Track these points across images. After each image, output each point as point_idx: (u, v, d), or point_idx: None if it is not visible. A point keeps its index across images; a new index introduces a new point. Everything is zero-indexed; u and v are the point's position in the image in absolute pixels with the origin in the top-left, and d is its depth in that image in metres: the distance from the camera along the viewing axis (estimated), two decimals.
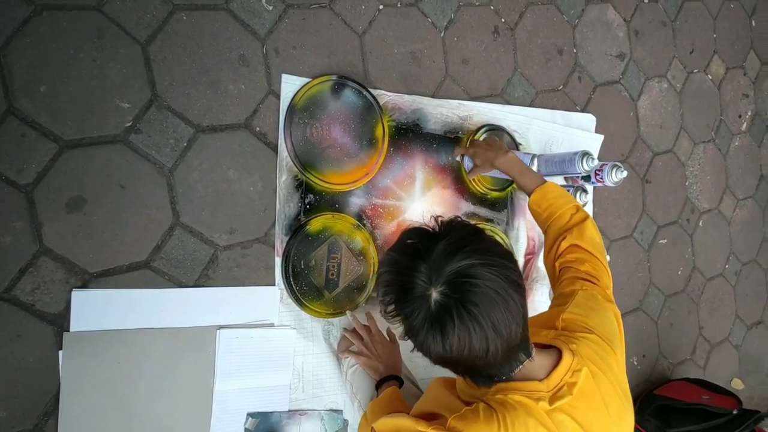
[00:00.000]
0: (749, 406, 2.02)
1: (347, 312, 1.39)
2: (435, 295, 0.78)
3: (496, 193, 1.64)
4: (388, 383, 1.22)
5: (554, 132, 1.77)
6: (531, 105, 1.77)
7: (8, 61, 1.10)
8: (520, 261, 1.69)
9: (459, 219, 0.88)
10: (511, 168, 1.38)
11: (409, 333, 0.82)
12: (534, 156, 1.50)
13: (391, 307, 0.84)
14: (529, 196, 1.30)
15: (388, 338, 1.34)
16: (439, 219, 0.87)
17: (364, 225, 1.44)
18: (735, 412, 1.86)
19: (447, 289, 0.77)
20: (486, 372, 0.85)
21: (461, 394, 0.96)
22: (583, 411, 0.86)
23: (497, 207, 1.66)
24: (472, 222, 1.58)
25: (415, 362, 1.32)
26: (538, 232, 1.73)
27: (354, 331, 1.35)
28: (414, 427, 0.89)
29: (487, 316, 0.76)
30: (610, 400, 0.90)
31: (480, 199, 1.63)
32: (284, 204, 1.36)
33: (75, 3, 1.16)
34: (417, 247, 0.83)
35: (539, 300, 1.73)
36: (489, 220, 1.64)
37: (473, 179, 1.58)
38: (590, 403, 0.88)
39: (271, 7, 1.36)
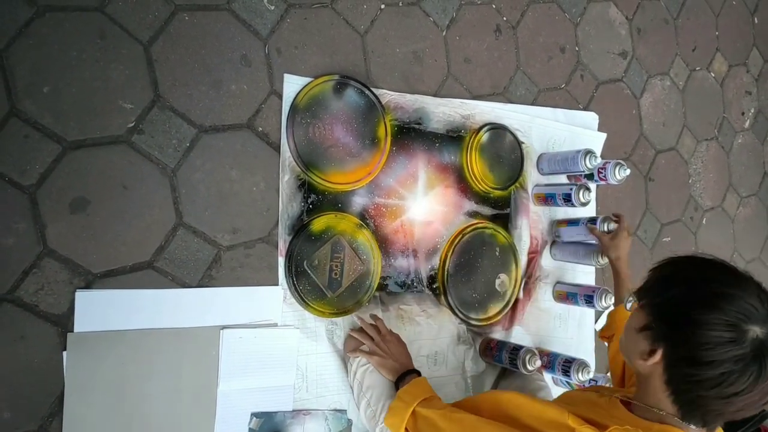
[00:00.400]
0: None
1: (354, 315, 1.39)
2: (759, 331, 0.74)
3: (498, 192, 1.64)
4: (411, 376, 1.22)
5: (557, 130, 1.77)
6: (533, 103, 1.77)
7: (11, 63, 1.10)
8: (523, 260, 1.69)
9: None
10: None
11: (699, 357, 0.76)
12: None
13: (687, 316, 0.78)
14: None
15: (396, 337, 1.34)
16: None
17: (367, 224, 1.44)
18: None
19: None
20: (714, 416, 0.82)
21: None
22: None
23: (500, 206, 1.66)
24: (475, 221, 1.59)
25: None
26: (540, 230, 1.73)
27: (362, 330, 1.35)
28: (558, 418, 0.86)
29: None
30: None
31: (483, 198, 1.62)
32: (287, 204, 1.36)
33: (77, 4, 1.16)
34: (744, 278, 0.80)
35: (542, 298, 1.73)
36: (492, 219, 1.64)
37: (475, 177, 1.57)
38: None
39: (272, 7, 1.36)
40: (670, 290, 0.82)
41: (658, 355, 0.82)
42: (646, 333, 0.84)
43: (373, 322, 1.37)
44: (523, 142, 1.68)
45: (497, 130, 1.63)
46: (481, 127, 1.60)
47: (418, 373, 1.24)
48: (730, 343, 0.74)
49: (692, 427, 0.83)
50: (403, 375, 1.23)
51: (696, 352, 0.76)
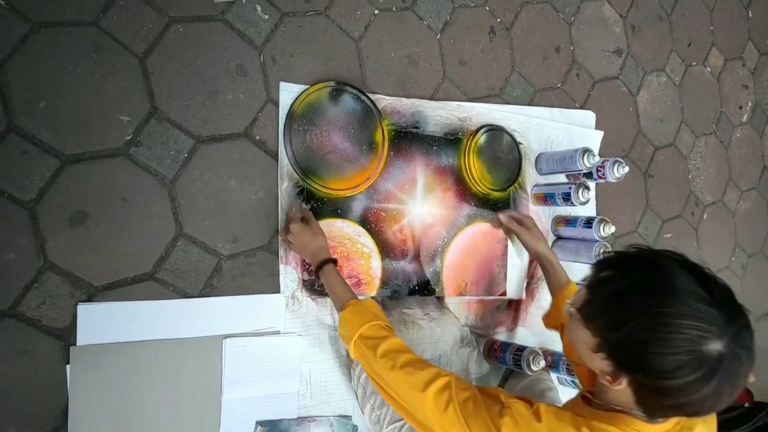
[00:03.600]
0: (761, 398, 2.01)
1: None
2: (718, 346, 0.73)
3: (497, 194, 1.64)
4: (326, 266, 1.25)
5: (554, 130, 1.77)
6: (530, 104, 1.77)
7: (7, 79, 1.11)
8: (524, 260, 1.69)
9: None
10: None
11: (665, 386, 0.76)
12: None
13: (642, 348, 0.77)
14: (559, 293, 1.37)
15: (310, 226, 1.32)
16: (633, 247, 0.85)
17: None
18: (747, 405, 1.85)
19: (729, 338, 0.74)
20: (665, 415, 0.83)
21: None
22: None
23: (499, 207, 1.66)
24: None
25: None
26: (545, 227, 1.73)
27: (286, 229, 1.32)
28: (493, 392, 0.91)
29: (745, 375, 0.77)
30: None
31: (482, 200, 1.62)
32: (286, 211, 1.36)
33: (72, 19, 1.16)
34: (670, 286, 0.77)
35: (544, 298, 1.73)
36: (495, 215, 1.64)
37: (474, 179, 1.57)
38: None
39: (266, 16, 1.36)
40: (620, 328, 0.78)
41: (624, 382, 0.81)
42: (602, 355, 0.82)
43: (298, 215, 1.34)
44: (520, 143, 1.68)
45: (494, 131, 1.63)
46: (478, 129, 1.60)
47: (334, 262, 1.26)
48: (701, 381, 0.74)
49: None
50: (320, 265, 1.25)
51: (662, 383, 0.76)
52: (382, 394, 1.06)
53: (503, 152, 1.65)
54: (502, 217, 1.55)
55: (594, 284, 0.85)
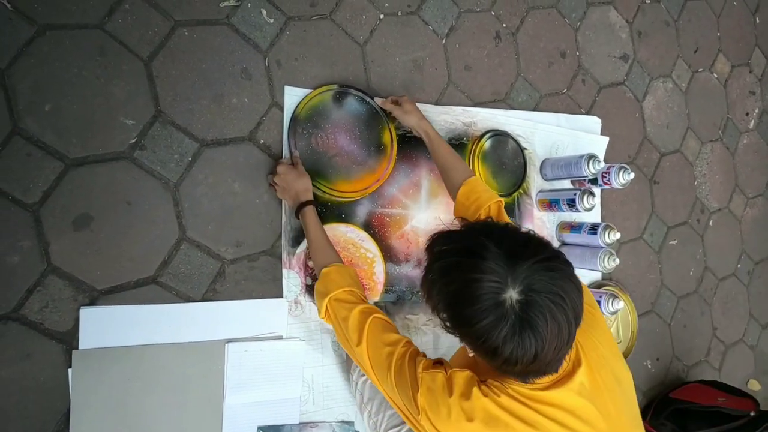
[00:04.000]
0: (767, 407, 1.99)
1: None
2: (515, 295, 0.76)
3: (502, 199, 1.62)
4: (305, 208, 1.26)
5: (559, 135, 1.76)
6: (535, 109, 1.77)
7: (12, 82, 1.11)
8: None
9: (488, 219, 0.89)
10: (433, 144, 1.38)
11: (486, 346, 0.79)
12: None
13: (454, 323, 0.84)
14: (458, 188, 1.28)
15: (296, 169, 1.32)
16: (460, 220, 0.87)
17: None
18: (752, 413, 1.83)
19: (526, 288, 0.76)
20: (526, 372, 0.84)
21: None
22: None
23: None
24: None
25: None
26: (545, 236, 1.71)
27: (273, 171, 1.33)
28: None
29: (570, 309, 0.77)
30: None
31: None
32: (290, 215, 1.35)
33: (77, 22, 1.16)
34: (472, 248, 0.81)
35: None
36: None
37: None
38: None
39: (272, 20, 1.36)
40: (432, 296, 0.86)
41: (471, 351, 0.86)
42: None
43: (287, 161, 1.35)
44: (525, 148, 1.68)
45: (499, 136, 1.62)
46: (483, 134, 1.59)
47: (313, 204, 1.28)
48: (496, 325, 0.76)
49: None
50: (299, 207, 1.27)
51: (483, 346, 0.79)
52: (354, 361, 1.08)
53: (508, 158, 1.64)
54: (378, 101, 1.46)
55: (426, 259, 0.91)
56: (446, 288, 0.82)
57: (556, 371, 0.87)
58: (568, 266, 0.81)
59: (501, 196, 1.60)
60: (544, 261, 0.78)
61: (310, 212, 1.26)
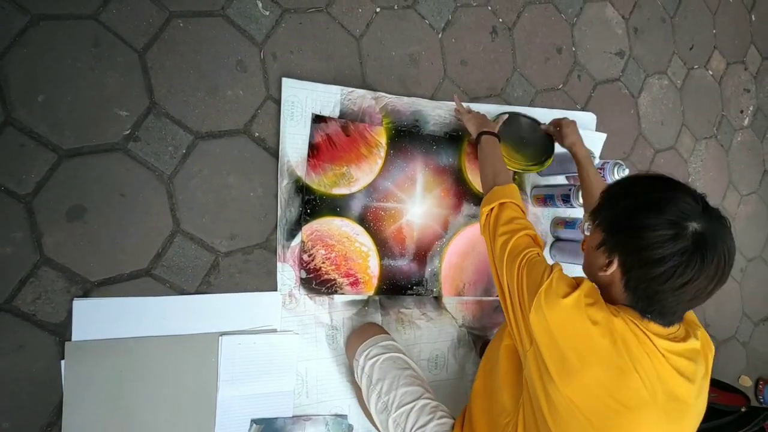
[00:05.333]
0: (757, 403, 2.01)
1: (454, 96, 1.56)
2: (698, 226, 0.83)
3: (537, 167, 1.58)
4: (486, 136, 1.37)
5: None
6: (531, 104, 1.77)
7: (6, 72, 1.10)
8: None
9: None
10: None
11: (649, 254, 0.85)
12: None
13: (624, 224, 0.89)
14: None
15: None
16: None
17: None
18: (743, 409, 1.84)
19: (710, 228, 0.84)
20: (671, 309, 0.90)
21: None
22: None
23: None
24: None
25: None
26: (540, 232, 1.72)
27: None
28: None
29: (728, 268, 0.85)
30: None
31: (482, 200, 1.61)
32: (285, 209, 1.35)
33: (71, 12, 1.16)
34: (671, 182, 0.91)
35: None
36: None
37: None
38: None
39: (267, 12, 1.36)
40: (617, 204, 0.92)
41: (614, 265, 0.91)
42: (602, 249, 0.93)
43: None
44: (542, 123, 1.62)
45: (508, 115, 1.57)
46: (493, 118, 1.56)
47: (496, 135, 1.38)
48: (673, 239, 0.83)
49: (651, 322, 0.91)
50: (480, 134, 1.38)
51: (646, 254, 0.85)
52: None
53: (526, 132, 1.60)
54: (544, 126, 1.58)
55: (602, 194, 0.98)
56: (634, 197, 0.90)
57: (681, 320, 0.95)
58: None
59: (533, 165, 1.54)
60: (728, 224, 0.88)
61: (494, 140, 1.36)
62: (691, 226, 0.84)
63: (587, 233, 1.01)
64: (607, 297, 0.95)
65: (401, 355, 1.25)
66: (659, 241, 0.84)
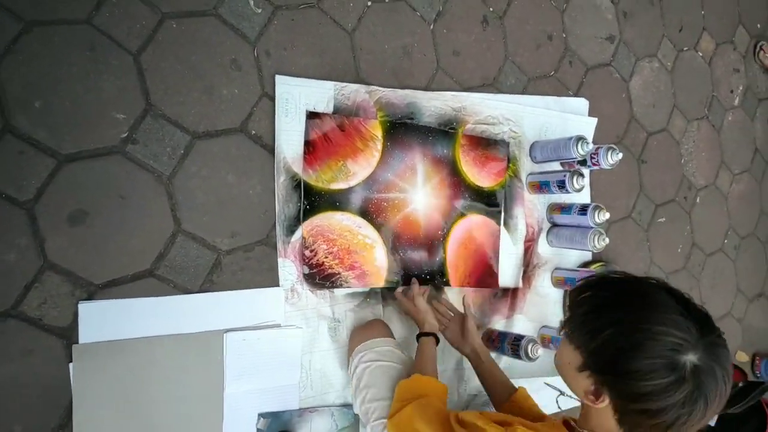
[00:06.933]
0: (754, 377, 2.05)
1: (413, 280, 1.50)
2: (693, 360, 0.76)
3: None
4: (424, 338, 1.32)
5: (548, 118, 1.78)
6: (524, 92, 1.78)
7: (1, 79, 1.10)
8: (520, 248, 1.70)
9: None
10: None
11: (647, 405, 0.78)
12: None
13: (609, 371, 0.81)
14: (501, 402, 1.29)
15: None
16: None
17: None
18: (740, 384, 1.88)
19: (708, 356, 0.77)
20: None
21: None
22: None
23: (492, 201, 1.66)
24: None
25: None
26: (536, 218, 1.74)
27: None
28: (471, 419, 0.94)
29: (728, 391, 0.78)
30: None
31: (475, 192, 1.63)
32: (283, 205, 1.36)
33: (64, 17, 1.16)
34: (654, 299, 0.81)
35: (541, 285, 1.75)
36: (488, 210, 1.65)
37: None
38: None
39: (259, 10, 1.36)
40: (598, 335, 0.82)
41: (606, 400, 0.83)
42: (586, 373, 0.85)
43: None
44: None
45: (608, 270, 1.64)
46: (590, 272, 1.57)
47: (435, 336, 1.32)
48: (673, 386, 0.76)
49: None
50: (422, 334, 1.33)
51: (645, 404, 0.78)
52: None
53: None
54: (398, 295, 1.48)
55: (575, 302, 0.89)
56: (615, 325, 0.81)
57: None
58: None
59: None
60: (722, 338, 0.80)
61: (432, 343, 1.30)
62: (688, 362, 0.76)
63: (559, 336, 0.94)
64: (587, 417, 0.91)
65: (395, 365, 1.26)
66: (658, 390, 0.76)
